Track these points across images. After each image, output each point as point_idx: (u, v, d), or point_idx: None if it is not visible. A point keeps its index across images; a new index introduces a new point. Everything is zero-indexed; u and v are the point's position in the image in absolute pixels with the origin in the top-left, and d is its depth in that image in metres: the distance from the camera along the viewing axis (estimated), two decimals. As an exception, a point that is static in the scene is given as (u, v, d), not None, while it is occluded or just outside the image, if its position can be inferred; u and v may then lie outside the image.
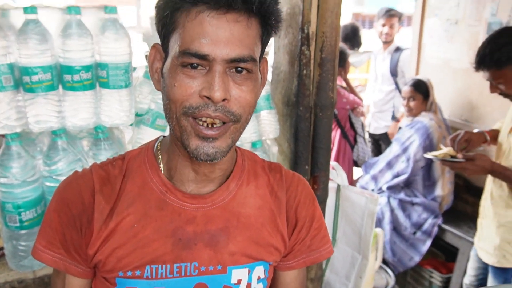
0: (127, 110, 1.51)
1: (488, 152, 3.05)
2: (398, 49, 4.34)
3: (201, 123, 0.87)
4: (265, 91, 1.78)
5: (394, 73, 4.34)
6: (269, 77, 1.92)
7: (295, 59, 1.76)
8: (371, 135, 4.66)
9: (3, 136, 1.50)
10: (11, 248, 1.50)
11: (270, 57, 1.98)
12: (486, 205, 2.36)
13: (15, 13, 1.43)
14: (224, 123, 0.88)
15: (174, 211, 0.97)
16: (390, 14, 4.30)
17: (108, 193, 0.97)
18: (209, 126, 0.87)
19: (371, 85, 4.80)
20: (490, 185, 2.32)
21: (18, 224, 1.45)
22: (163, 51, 0.92)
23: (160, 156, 1.01)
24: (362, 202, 2.08)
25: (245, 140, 1.73)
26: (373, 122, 4.61)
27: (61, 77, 1.43)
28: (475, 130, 2.47)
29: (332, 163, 2.23)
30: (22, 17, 1.38)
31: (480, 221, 2.43)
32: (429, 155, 2.51)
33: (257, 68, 0.90)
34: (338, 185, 2.17)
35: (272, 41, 1.86)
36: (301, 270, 1.15)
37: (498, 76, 2.08)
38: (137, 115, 1.64)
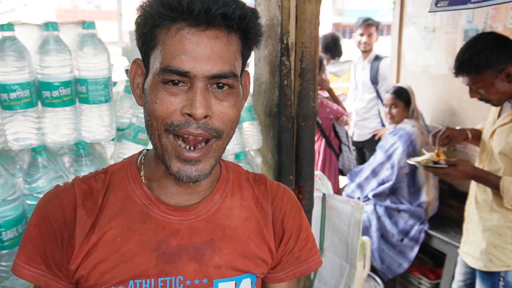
0: (108, 125, 1.50)
1: (471, 157, 3.09)
2: (377, 58, 4.42)
3: (183, 145, 0.87)
4: (247, 102, 1.78)
5: (374, 81, 4.41)
6: (251, 88, 1.93)
7: (275, 69, 1.77)
8: (354, 143, 4.69)
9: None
10: (-9, 269, 1.47)
11: (251, 69, 1.99)
12: (471, 209, 2.38)
13: (-8, 31, 1.42)
14: (207, 140, 0.88)
15: (158, 224, 0.96)
16: (368, 24, 4.38)
17: (90, 207, 0.96)
18: (191, 148, 0.87)
19: (351, 94, 4.86)
20: (474, 189, 2.34)
21: (-2, 245, 1.42)
22: (144, 67, 0.92)
23: (143, 169, 1.00)
24: (348, 210, 2.09)
25: (228, 151, 1.73)
26: (356, 130, 4.66)
27: (39, 94, 1.42)
28: (458, 127, 2.51)
29: (317, 172, 2.23)
30: (-1, 35, 1.37)
31: (465, 226, 2.45)
32: (412, 161, 2.53)
33: (239, 83, 0.91)
34: (324, 194, 2.18)
35: (252, 52, 1.87)
36: (291, 282, 1.14)
37: (477, 81, 2.12)
38: (118, 129, 1.62)
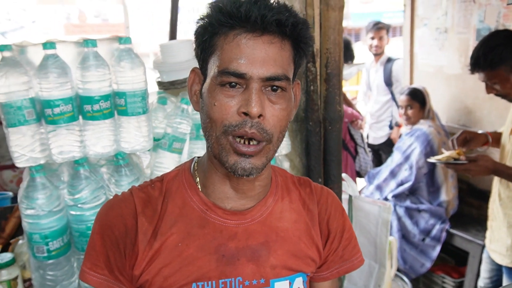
0: (146, 135, 1.55)
1: (491, 155, 3.11)
2: (389, 60, 4.45)
3: (238, 140, 0.91)
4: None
5: (388, 83, 4.44)
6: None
7: (301, 75, 1.82)
8: (370, 145, 4.72)
9: (12, 167, 1.52)
10: (38, 278, 1.51)
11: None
12: (494, 207, 2.40)
13: (32, 49, 1.48)
14: (258, 142, 0.92)
15: (216, 229, 1.00)
16: (378, 27, 4.42)
17: (150, 215, 1.00)
18: (245, 143, 0.91)
19: (361, 97, 4.90)
20: (497, 186, 2.37)
21: (45, 254, 1.47)
22: (201, 74, 0.97)
23: (197, 176, 1.04)
24: (376, 211, 2.12)
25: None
26: (371, 132, 4.69)
27: (81, 108, 1.47)
28: (479, 131, 2.53)
29: (343, 175, 2.27)
30: (39, 53, 1.43)
31: (490, 224, 2.47)
32: (432, 160, 2.57)
33: (291, 87, 0.95)
34: (350, 196, 2.21)
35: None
36: (334, 281, 1.18)
37: (492, 77, 2.16)
38: (154, 140, 1.67)
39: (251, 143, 0.92)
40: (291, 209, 1.09)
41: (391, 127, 4.51)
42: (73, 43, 1.50)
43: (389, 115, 4.56)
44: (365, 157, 3.98)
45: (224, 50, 0.90)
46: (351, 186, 2.22)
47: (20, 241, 1.69)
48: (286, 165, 1.97)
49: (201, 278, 0.98)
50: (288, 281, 1.05)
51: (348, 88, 8.31)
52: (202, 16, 0.95)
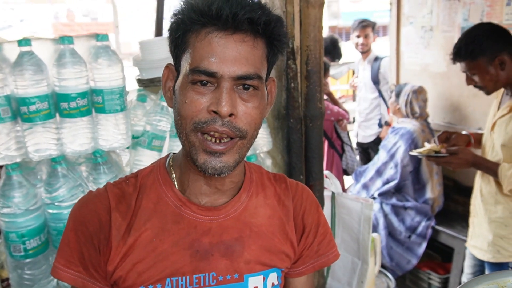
0: (124, 133, 1.54)
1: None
2: (377, 58, 4.47)
3: (209, 138, 0.91)
4: (256, 105, 1.83)
5: (376, 81, 4.46)
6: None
7: (282, 73, 1.82)
8: (359, 144, 4.74)
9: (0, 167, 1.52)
10: (16, 278, 1.50)
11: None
12: (476, 203, 2.43)
13: (8, 47, 1.46)
14: (231, 138, 0.92)
15: (190, 224, 1.01)
16: (363, 25, 4.44)
17: (124, 210, 1.00)
18: (217, 141, 0.91)
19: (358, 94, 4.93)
20: (479, 182, 2.39)
21: (22, 253, 1.46)
22: (175, 70, 0.97)
23: (173, 172, 1.04)
24: (358, 207, 2.12)
25: (240, 154, 1.77)
26: (360, 131, 4.70)
27: (57, 105, 1.46)
28: (462, 132, 2.55)
29: (325, 172, 2.28)
30: (16, 50, 1.42)
31: (471, 220, 2.49)
32: (413, 152, 2.60)
33: (263, 86, 0.95)
34: (333, 193, 2.22)
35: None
36: (309, 276, 1.19)
37: (472, 67, 2.19)
38: (133, 137, 1.67)
39: (223, 140, 0.91)
40: (266, 205, 1.09)
41: (380, 126, 4.53)
42: (50, 40, 1.49)
43: (377, 113, 4.58)
44: (352, 155, 4.00)
45: (196, 48, 0.89)
46: (334, 183, 2.23)
47: (-1, 241, 1.68)
48: (268, 163, 1.97)
49: (175, 273, 0.98)
50: (262, 276, 1.05)
51: (338, 87, 8.34)
52: (174, 12, 0.94)
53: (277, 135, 1.94)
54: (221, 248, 1.01)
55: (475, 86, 2.24)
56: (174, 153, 1.10)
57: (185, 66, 0.92)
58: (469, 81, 2.25)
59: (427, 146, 2.52)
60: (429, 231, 3.38)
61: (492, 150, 2.29)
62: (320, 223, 1.16)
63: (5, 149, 1.41)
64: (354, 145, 4.67)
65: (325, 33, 4.76)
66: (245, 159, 1.74)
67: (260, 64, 0.93)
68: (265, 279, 1.05)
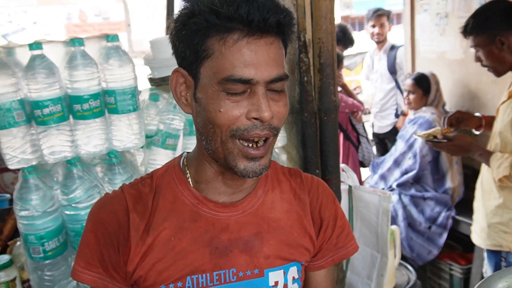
0: (137, 133, 1.54)
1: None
2: (393, 47, 4.41)
3: (247, 144, 0.91)
4: (269, 101, 1.81)
5: (392, 71, 4.40)
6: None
7: (294, 67, 1.80)
8: (375, 134, 4.69)
9: (12, 170, 1.53)
10: (36, 279, 1.52)
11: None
12: (478, 187, 2.42)
13: (20, 51, 1.47)
14: (266, 139, 0.93)
15: (208, 222, 1.01)
16: (378, 14, 4.38)
17: (142, 211, 1.00)
18: (254, 146, 0.92)
19: (364, 82, 4.88)
20: (483, 168, 2.36)
21: (42, 255, 1.48)
22: (189, 76, 0.94)
23: (188, 171, 1.04)
24: (376, 200, 2.10)
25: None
26: (376, 121, 4.65)
27: (71, 107, 1.47)
28: (476, 114, 2.51)
29: (341, 165, 2.25)
30: (28, 54, 1.42)
31: (475, 205, 2.47)
32: (415, 135, 2.60)
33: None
34: (350, 186, 2.19)
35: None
36: (330, 269, 1.19)
37: (476, 43, 2.16)
38: (146, 137, 1.67)
39: (259, 144, 0.92)
40: (282, 199, 1.09)
41: (397, 116, 4.47)
42: (61, 43, 1.50)
43: (393, 104, 4.52)
44: (368, 147, 3.96)
45: (225, 55, 0.87)
46: (351, 177, 2.20)
47: (18, 243, 1.70)
48: (283, 158, 1.96)
49: (195, 271, 0.99)
50: (282, 271, 1.05)
51: (352, 77, 8.26)
52: (186, 17, 0.91)
53: (292, 129, 1.92)
54: (240, 244, 1.02)
55: (482, 65, 2.19)
56: (188, 153, 1.10)
57: (209, 74, 0.90)
58: (476, 58, 2.20)
59: (430, 130, 2.52)
60: (450, 222, 3.33)
61: (495, 136, 2.25)
62: (337, 216, 1.16)
63: (20, 152, 1.42)
64: (370, 136, 4.63)
65: (336, 22, 4.72)
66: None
67: (284, 63, 0.94)
68: (285, 273, 1.06)
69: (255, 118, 0.89)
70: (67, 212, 1.51)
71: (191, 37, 0.90)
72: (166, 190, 1.03)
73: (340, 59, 3.88)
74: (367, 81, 4.91)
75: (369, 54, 4.81)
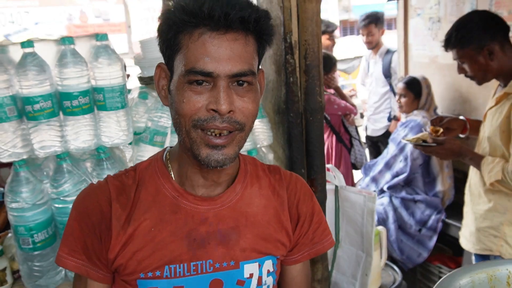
0: (125, 129, 1.59)
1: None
2: (388, 51, 4.46)
3: (209, 133, 0.95)
4: (256, 100, 1.86)
5: (387, 74, 4.45)
6: (259, 87, 2.02)
7: (281, 68, 1.84)
8: (368, 137, 4.74)
9: (9, 165, 1.58)
10: (26, 269, 1.56)
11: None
12: (466, 192, 2.44)
13: (13, 48, 1.52)
14: (230, 132, 0.96)
15: (188, 214, 1.05)
16: (365, 24, 4.43)
17: (124, 201, 1.05)
18: (217, 135, 0.95)
19: (359, 86, 4.93)
20: (471, 172, 2.39)
21: (31, 246, 1.52)
22: (168, 70, 1.00)
23: (170, 165, 1.09)
24: (361, 200, 2.14)
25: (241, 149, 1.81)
26: (370, 124, 4.70)
27: (61, 104, 1.52)
28: (460, 117, 2.54)
29: (329, 165, 2.30)
30: (20, 51, 1.47)
31: (464, 209, 2.50)
32: (403, 140, 2.62)
33: (256, 80, 0.99)
34: (336, 187, 2.24)
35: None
36: (305, 263, 1.23)
37: (461, 56, 2.17)
38: (135, 134, 1.72)
39: (222, 134, 0.96)
40: (261, 195, 1.13)
41: (390, 119, 4.52)
42: (53, 41, 1.55)
43: (387, 107, 4.57)
44: (360, 149, 4.01)
45: (190, 49, 0.93)
46: (337, 177, 2.25)
47: (9, 235, 1.74)
48: (270, 157, 2.00)
49: (174, 261, 1.03)
50: (257, 263, 1.09)
51: (351, 81, 8.33)
52: (164, 13, 0.98)
53: (278, 129, 1.96)
54: (217, 237, 1.06)
55: (466, 75, 2.23)
56: (171, 147, 1.15)
57: (179, 66, 0.95)
58: (460, 70, 2.23)
59: (418, 134, 2.55)
60: (440, 225, 3.37)
61: (483, 141, 2.28)
62: (314, 212, 1.20)
63: (11, 146, 1.47)
64: (363, 139, 4.68)
65: (336, 28, 4.77)
66: (245, 152, 1.77)
67: (252, 59, 0.97)
68: (260, 266, 1.10)
69: (214, 110, 0.93)
70: (56, 205, 1.56)
71: (166, 32, 0.96)
72: (149, 183, 1.08)
73: (333, 62, 3.93)
74: (363, 85, 4.96)
75: (365, 57, 4.87)
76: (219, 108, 0.92)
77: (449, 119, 2.51)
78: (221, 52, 0.92)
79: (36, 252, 1.54)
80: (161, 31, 0.98)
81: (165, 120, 1.69)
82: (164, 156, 1.12)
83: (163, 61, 1.04)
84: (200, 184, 1.07)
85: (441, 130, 2.42)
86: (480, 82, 2.22)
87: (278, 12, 1.78)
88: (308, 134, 1.93)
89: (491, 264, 1.02)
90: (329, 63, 3.89)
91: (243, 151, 1.83)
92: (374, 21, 4.40)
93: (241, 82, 0.95)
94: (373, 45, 4.45)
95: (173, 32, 0.95)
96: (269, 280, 1.12)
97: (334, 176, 2.24)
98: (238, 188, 1.11)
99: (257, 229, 1.10)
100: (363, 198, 2.13)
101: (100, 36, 1.52)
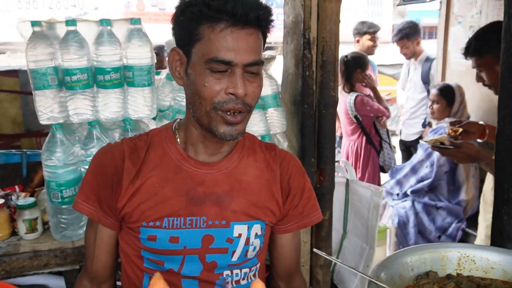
0: (149, 105, 1.78)
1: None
2: (428, 59, 4.46)
3: (228, 113, 1.12)
4: (272, 90, 2.01)
5: (425, 81, 4.46)
6: (279, 78, 2.16)
7: (299, 62, 1.98)
8: (402, 141, 4.76)
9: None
10: (55, 221, 1.78)
11: (280, 61, 2.21)
12: (481, 200, 2.45)
13: (60, 26, 1.74)
14: (240, 112, 1.13)
15: (188, 175, 1.21)
16: (397, 40, 4.43)
17: (135, 159, 1.22)
18: (233, 114, 1.12)
19: (400, 91, 4.94)
20: (486, 180, 2.40)
21: (60, 200, 1.74)
22: (183, 54, 1.15)
23: (178, 134, 1.26)
24: (368, 195, 2.24)
25: (255, 133, 1.96)
26: (404, 129, 4.72)
27: (95, 77, 1.72)
28: (480, 122, 2.56)
29: (342, 159, 2.41)
30: (65, 29, 1.69)
31: (478, 218, 2.51)
32: (422, 141, 2.65)
33: (262, 68, 1.16)
34: (347, 180, 2.35)
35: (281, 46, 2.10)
36: (295, 234, 1.37)
37: (479, 64, 2.16)
38: (160, 110, 1.90)
39: (236, 113, 1.13)
40: (255, 166, 1.28)
41: (424, 125, 4.53)
42: (94, 22, 1.75)
43: (423, 113, 4.57)
44: (390, 153, 4.04)
45: (212, 40, 1.08)
46: (350, 171, 2.35)
47: (44, 190, 1.97)
48: (285, 145, 2.14)
49: (172, 214, 1.19)
50: (246, 226, 1.24)
51: (396, 87, 8.25)
52: (186, 4, 1.12)
53: (293, 119, 2.10)
54: (212, 198, 1.21)
55: (484, 84, 2.24)
56: (180, 119, 1.32)
57: (198, 54, 1.10)
58: (478, 78, 2.23)
59: (436, 136, 2.58)
60: (459, 233, 3.37)
61: None
62: (305, 188, 1.33)
63: (50, 111, 1.69)
64: (397, 143, 4.70)
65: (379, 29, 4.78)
66: (259, 137, 1.92)
67: (261, 51, 1.14)
68: (249, 229, 1.24)
69: (231, 94, 1.10)
70: (84, 167, 1.77)
71: (186, 23, 1.12)
72: (158, 146, 1.25)
73: (365, 62, 4.00)
74: (402, 90, 4.97)
75: (406, 63, 4.88)
76: (237, 92, 1.08)
77: (469, 122, 2.53)
78: (239, 44, 1.08)
79: (64, 206, 1.76)
80: (181, 20, 1.13)
81: (187, 100, 1.86)
82: (174, 125, 1.29)
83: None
84: (202, 151, 1.23)
85: (460, 129, 2.44)
86: (497, 92, 2.24)
87: (300, 10, 1.91)
88: (320, 126, 2.05)
89: (444, 246, 1.11)
90: (363, 62, 3.96)
91: (257, 135, 1.99)
92: (405, 36, 4.39)
93: (253, 71, 1.12)
94: (409, 56, 4.50)
95: (194, 23, 1.10)
96: (256, 242, 1.26)
97: (346, 170, 2.35)
98: (235, 157, 1.26)
99: (249, 195, 1.24)
100: (370, 192, 2.22)
101: (134, 21, 1.71)
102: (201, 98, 1.11)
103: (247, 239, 1.24)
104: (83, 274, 1.33)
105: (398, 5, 1.83)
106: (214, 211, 1.21)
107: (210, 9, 1.07)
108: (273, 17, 1.14)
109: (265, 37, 1.16)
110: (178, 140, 1.25)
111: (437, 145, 2.50)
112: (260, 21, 1.09)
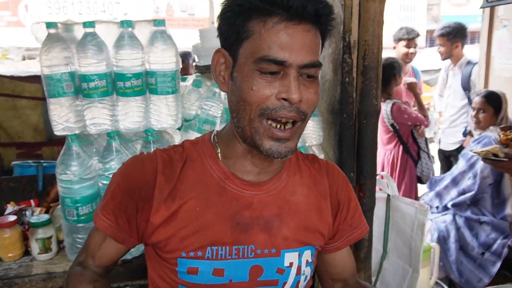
0: (174, 114, 1.62)
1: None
2: (469, 63, 4.20)
3: (274, 125, 0.95)
4: (308, 98, 1.82)
5: (466, 87, 4.20)
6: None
7: (338, 67, 1.79)
8: (441, 151, 4.51)
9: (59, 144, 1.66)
10: (70, 240, 1.64)
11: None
12: None
13: (77, 28, 1.60)
14: (293, 123, 0.97)
15: (233, 197, 1.06)
16: (437, 35, 4.21)
17: (170, 175, 1.05)
18: (281, 127, 0.96)
19: (437, 97, 4.71)
20: None
21: (75, 218, 1.60)
22: (229, 56, 0.99)
23: (218, 147, 1.09)
24: (412, 212, 2.03)
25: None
26: (444, 138, 4.47)
27: (115, 84, 1.57)
28: None
29: (382, 173, 2.21)
30: (83, 31, 1.55)
31: None
32: (471, 152, 2.45)
33: (319, 72, 0.99)
34: (388, 195, 2.14)
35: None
36: (348, 249, 1.25)
37: None
38: (185, 120, 1.74)
39: (286, 126, 0.96)
40: (302, 184, 1.14)
41: (465, 134, 4.27)
42: (115, 24, 1.61)
43: (463, 121, 4.31)
44: (428, 163, 3.80)
45: (263, 36, 0.92)
46: (391, 185, 2.15)
47: (59, 206, 1.84)
48: (321, 157, 1.95)
49: (216, 243, 1.03)
50: (297, 253, 1.09)
51: (433, 93, 7.96)
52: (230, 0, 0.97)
53: (330, 130, 1.91)
54: (260, 223, 1.06)
55: None
56: (217, 131, 1.15)
57: (246, 53, 0.94)
58: None
59: (487, 147, 2.36)
60: (505, 250, 3.12)
61: None
62: (351, 198, 1.21)
63: (65, 120, 1.55)
64: (435, 153, 4.45)
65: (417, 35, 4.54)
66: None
67: (319, 52, 0.98)
68: (300, 256, 1.10)
69: (284, 99, 0.93)
70: (103, 182, 1.62)
71: (234, 19, 0.96)
72: (196, 161, 1.08)
73: (398, 66, 3.78)
74: (440, 97, 4.71)
75: (444, 68, 4.62)
76: (291, 97, 0.92)
77: None
78: (294, 42, 0.92)
79: (79, 225, 1.61)
80: (227, 16, 0.97)
81: (215, 109, 1.70)
82: (212, 138, 1.12)
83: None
84: (248, 169, 1.07)
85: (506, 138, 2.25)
86: None
87: (339, 10, 1.72)
88: (360, 138, 1.85)
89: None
90: (396, 67, 3.75)
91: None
92: (445, 34, 4.15)
93: (310, 74, 0.95)
94: (444, 57, 4.23)
95: (242, 18, 0.94)
96: (307, 271, 1.12)
97: (387, 184, 2.14)
98: (284, 176, 1.11)
99: (299, 218, 1.10)
100: (414, 209, 2.02)
101: (158, 22, 1.56)
102: (246, 104, 0.95)
103: (299, 268, 1.09)
104: (74, 264, 1.17)
105: (481, 7, 1.62)
106: (263, 238, 1.06)
107: (262, 1, 0.91)
108: (333, 13, 0.97)
109: (324, 37, 0.99)
110: (220, 155, 1.08)
111: (489, 157, 2.29)
112: (319, 16, 0.93)
